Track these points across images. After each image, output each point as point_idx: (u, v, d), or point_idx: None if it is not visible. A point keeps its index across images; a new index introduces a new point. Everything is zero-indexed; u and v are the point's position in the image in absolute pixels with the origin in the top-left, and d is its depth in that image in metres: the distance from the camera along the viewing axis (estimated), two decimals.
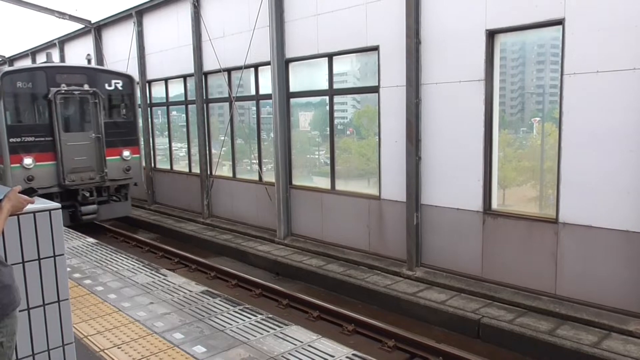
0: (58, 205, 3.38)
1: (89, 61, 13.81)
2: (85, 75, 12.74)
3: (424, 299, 7.94)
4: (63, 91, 12.20)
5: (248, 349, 4.42)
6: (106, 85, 13.02)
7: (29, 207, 3.15)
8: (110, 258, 7.47)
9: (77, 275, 6.66)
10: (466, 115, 8.06)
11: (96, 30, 18.31)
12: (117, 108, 13.54)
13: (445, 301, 7.80)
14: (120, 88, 13.34)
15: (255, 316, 5.15)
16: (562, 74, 6.97)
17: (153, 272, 6.78)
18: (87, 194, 12.64)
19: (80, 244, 8.34)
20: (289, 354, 4.30)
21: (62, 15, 17.42)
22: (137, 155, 13.73)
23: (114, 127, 13.14)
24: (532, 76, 8.01)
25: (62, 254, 3.36)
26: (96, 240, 8.57)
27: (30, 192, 2.83)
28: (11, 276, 2.62)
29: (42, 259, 3.27)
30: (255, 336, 4.66)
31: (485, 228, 8.07)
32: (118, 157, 13.20)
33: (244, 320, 5.04)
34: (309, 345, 4.45)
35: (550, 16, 7.00)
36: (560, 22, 6.93)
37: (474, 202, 8.14)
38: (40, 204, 3.33)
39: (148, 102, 16.70)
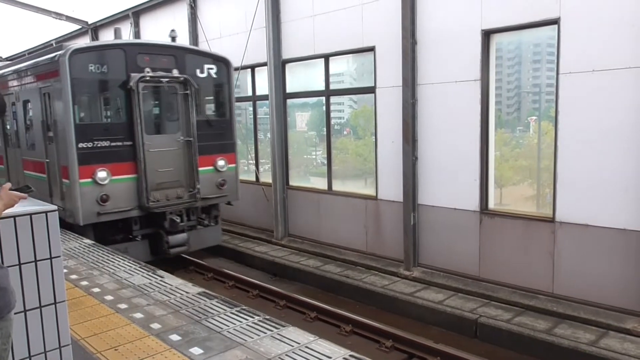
0: (54, 207, 3.36)
1: (174, 39, 10.41)
2: (173, 58, 9.61)
3: (422, 299, 7.95)
4: (148, 77, 9.11)
5: (245, 350, 4.41)
6: (198, 71, 9.95)
7: (26, 209, 3.15)
8: (107, 259, 7.45)
9: (73, 276, 6.64)
10: (462, 115, 8.07)
11: (93, 31, 18.28)
12: (209, 102, 10.69)
13: (443, 301, 7.80)
14: (214, 75, 10.29)
15: (253, 317, 5.14)
16: (557, 73, 6.98)
17: (150, 273, 6.76)
18: (177, 219, 9.50)
19: (77, 245, 8.31)
20: (286, 355, 4.30)
21: (58, 16, 17.40)
22: (233, 165, 10.63)
23: (206, 128, 10.03)
24: (528, 75, 8.03)
25: (59, 256, 3.35)
26: (93, 242, 8.55)
27: (24, 189, 2.81)
28: (7, 279, 2.61)
29: (39, 260, 3.26)
30: (253, 338, 4.65)
31: (482, 227, 8.07)
32: (211, 167, 10.16)
33: (241, 322, 5.03)
34: (306, 347, 4.45)
35: (545, 16, 7.01)
36: (555, 21, 6.94)
37: (471, 202, 8.14)
38: (37, 205, 3.32)
39: None
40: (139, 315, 5.30)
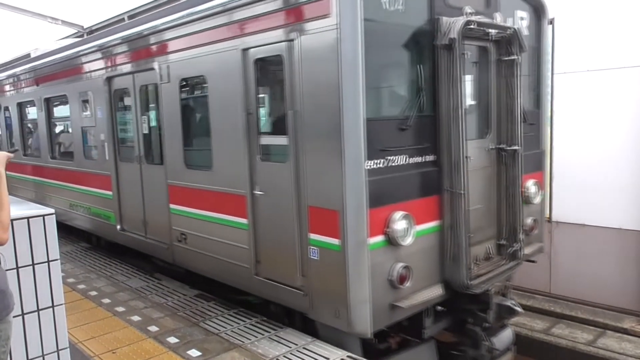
0: (51, 210, 3.36)
1: None
2: None
3: None
4: (473, 26, 4.60)
5: (243, 352, 4.41)
6: (510, 21, 5.41)
7: (24, 212, 3.15)
8: (104, 263, 7.45)
9: (71, 280, 6.63)
10: None
11: (89, 35, 18.26)
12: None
13: None
14: (525, 31, 5.61)
15: (250, 319, 5.14)
16: (552, 73, 7.00)
17: (147, 276, 6.76)
18: (515, 305, 5.40)
19: (74, 249, 8.31)
20: (284, 356, 4.30)
21: (54, 20, 17.38)
22: (542, 192, 5.96)
23: None
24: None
25: (57, 259, 3.35)
26: (89, 245, 8.53)
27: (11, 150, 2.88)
28: (5, 281, 2.62)
29: (37, 264, 3.26)
30: (250, 339, 4.66)
31: None
32: None
33: (238, 324, 5.04)
34: (304, 348, 4.45)
35: None
36: (550, 21, 6.95)
37: None
38: (34, 209, 3.32)
39: None
40: (136, 318, 5.30)
